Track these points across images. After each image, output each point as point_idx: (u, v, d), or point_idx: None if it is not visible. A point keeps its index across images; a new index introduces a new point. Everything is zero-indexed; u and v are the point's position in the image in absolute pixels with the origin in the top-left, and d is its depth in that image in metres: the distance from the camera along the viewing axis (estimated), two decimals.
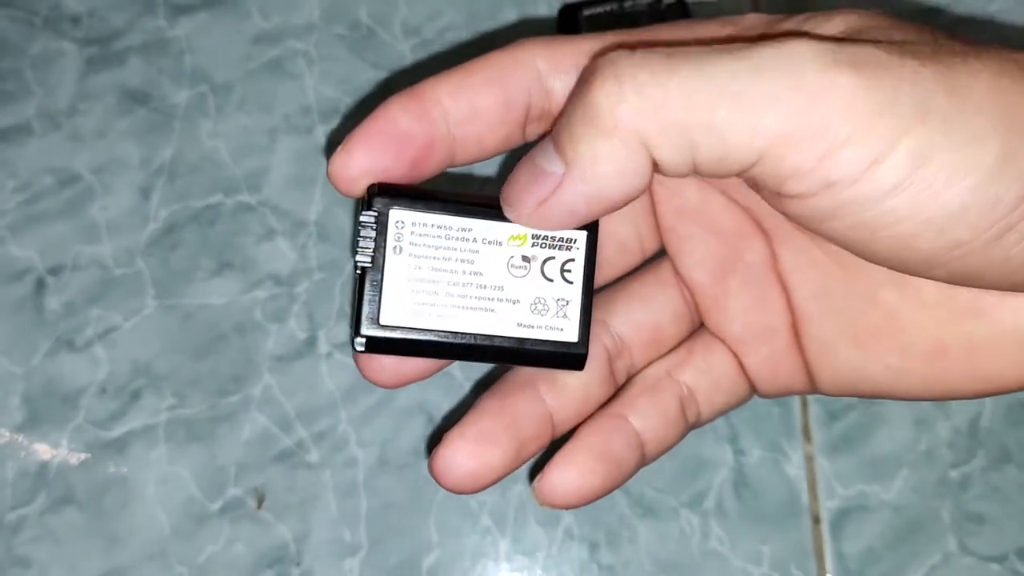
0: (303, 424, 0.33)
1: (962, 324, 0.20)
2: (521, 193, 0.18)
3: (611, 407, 0.22)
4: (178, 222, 0.34)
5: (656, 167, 0.17)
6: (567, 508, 0.21)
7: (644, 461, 0.22)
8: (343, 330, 0.33)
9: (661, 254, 0.24)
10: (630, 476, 0.21)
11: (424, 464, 0.33)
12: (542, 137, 0.20)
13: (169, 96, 0.35)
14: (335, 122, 0.35)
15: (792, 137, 0.16)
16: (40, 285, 0.33)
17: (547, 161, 0.18)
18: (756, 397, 0.34)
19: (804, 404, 0.34)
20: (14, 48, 0.35)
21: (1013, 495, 0.33)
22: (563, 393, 0.21)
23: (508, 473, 0.20)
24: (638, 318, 0.23)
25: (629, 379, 0.23)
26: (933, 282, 0.19)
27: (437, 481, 0.20)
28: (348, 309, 0.34)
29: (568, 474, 0.21)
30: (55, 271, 0.33)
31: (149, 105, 0.35)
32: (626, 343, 0.22)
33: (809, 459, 0.33)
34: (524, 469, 0.33)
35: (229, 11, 0.35)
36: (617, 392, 0.22)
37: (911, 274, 0.18)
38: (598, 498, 0.21)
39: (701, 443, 0.33)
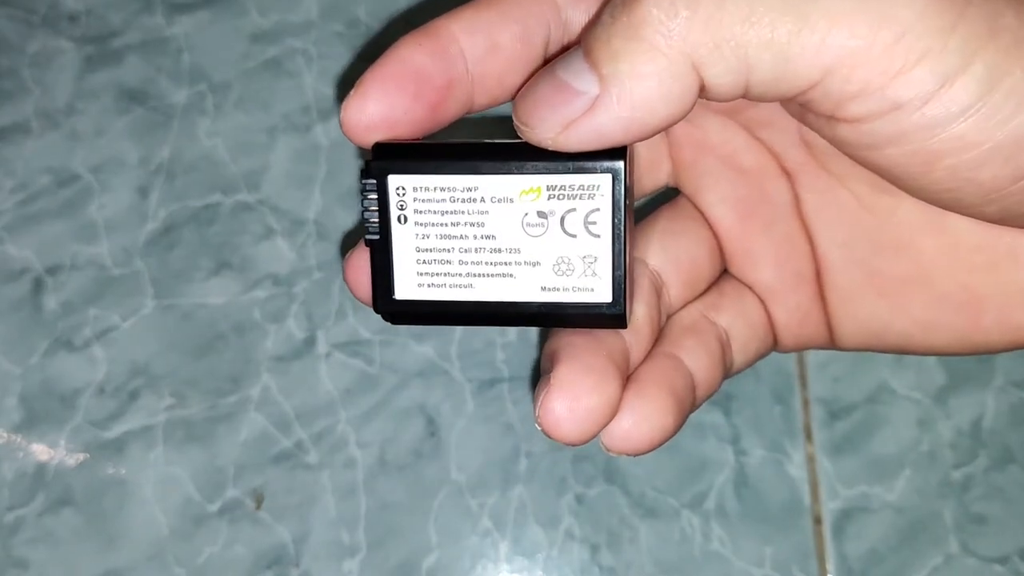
0: (302, 425, 0.33)
1: (1000, 272, 0.19)
2: (544, 112, 0.16)
3: (661, 347, 0.20)
4: (176, 221, 0.34)
5: (703, 90, 0.16)
6: (638, 454, 0.19)
7: (695, 405, 0.20)
8: (342, 330, 0.33)
9: (674, 193, 0.22)
10: (684, 421, 0.20)
11: (424, 465, 0.33)
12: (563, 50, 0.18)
13: (167, 95, 0.34)
14: (334, 121, 0.35)
15: (862, 54, 0.15)
16: (38, 285, 0.33)
17: (576, 78, 0.16)
18: (759, 387, 0.33)
19: (806, 404, 0.34)
20: (12, 47, 0.35)
21: (1016, 496, 0.33)
22: (635, 327, 0.19)
23: (615, 414, 0.18)
24: (675, 254, 0.21)
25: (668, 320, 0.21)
26: (974, 228, 0.18)
27: (550, 433, 0.17)
28: (347, 309, 0.34)
29: (644, 413, 0.18)
30: (53, 271, 0.33)
31: (147, 104, 0.34)
32: (664, 281, 0.21)
33: (811, 459, 0.33)
34: (521, 468, 0.33)
35: (227, 9, 0.35)
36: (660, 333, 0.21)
37: (959, 211, 0.17)
38: (666, 440, 0.19)
39: (702, 443, 0.33)
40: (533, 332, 0.34)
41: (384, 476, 0.33)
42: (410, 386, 0.33)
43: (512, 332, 0.34)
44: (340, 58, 0.35)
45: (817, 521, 0.33)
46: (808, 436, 0.33)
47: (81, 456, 0.32)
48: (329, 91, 0.35)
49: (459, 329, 0.33)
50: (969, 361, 0.34)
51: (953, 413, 0.34)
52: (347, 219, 0.34)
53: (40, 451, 0.32)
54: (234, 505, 0.32)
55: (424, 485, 0.33)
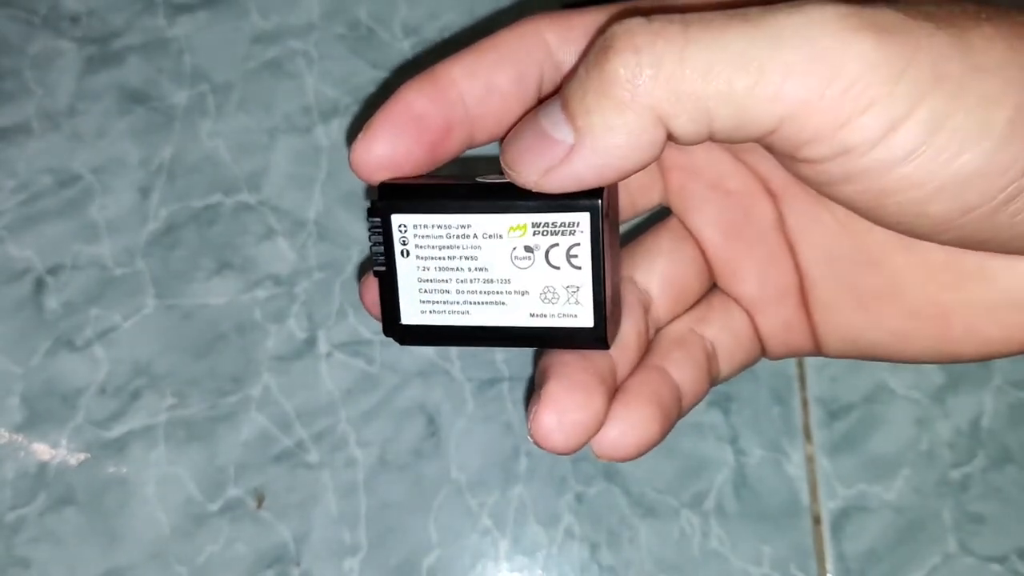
0: (303, 424, 0.33)
1: (966, 288, 0.20)
2: (526, 158, 0.18)
3: (649, 360, 0.21)
4: (177, 222, 0.34)
5: (670, 136, 0.17)
6: (625, 460, 0.20)
7: (681, 414, 0.22)
8: (343, 330, 0.33)
9: (666, 213, 0.23)
10: (670, 430, 0.21)
11: (424, 464, 0.33)
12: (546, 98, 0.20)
13: (168, 96, 0.35)
14: (335, 122, 0.35)
15: (812, 104, 0.16)
16: (39, 285, 0.33)
17: (555, 128, 0.17)
18: (759, 387, 0.34)
19: (804, 404, 0.34)
20: (13, 47, 0.35)
21: (1014, 495, 0.33)
22: (622, 344, 0.21)
23: (601, 426, 0.20)
24: (663, 273, 0.22)
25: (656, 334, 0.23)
26: (940, 248, 0.19)
27: (540, 444, 0.19)
28: (347, 309, 0.34)
29: (630, 423, 0.20)
30: (54, 271, 0.33)
31: (148, 105, 0.34)
32: (652, 297, 0.22)
33: (810, 459, 0.33)
34: (521, 468, 0.33)
35: (228, 10, 0.35)
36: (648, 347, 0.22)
37: (919, 238, 0.18)
38: (651, 448, 0.20)
39: (701, 443, 0.33)
40: None
41: (384, 475, 0.33)
42: (410, 386, 0.33)
43: None
44: (341, 60, 0.35)
45: (816, 520, 0.33)
46: (807, 436, 0.34)
47: (83, 456, 0.32)
48: (330, 92, 0.35)
49: None
50: None
51: (951, 413, 0.34)
52: (347, 219, 0.34)
53: (42, 451, 0.32)
54: (235, 504, 0.32)
55: (424, 484, 0.33)
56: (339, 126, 0.35)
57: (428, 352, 0.33)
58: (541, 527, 0.33)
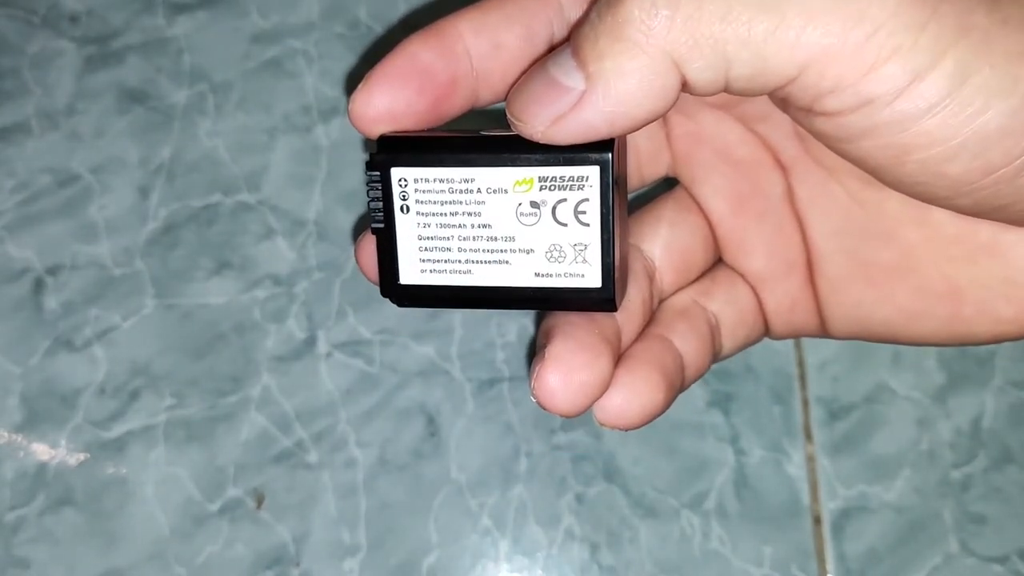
0: (302, 424, 0.33)
1: (979, 264, 0.19)
2: (534, 107, 0.17)
3: (653, 329, 0.21)
4: (177, 221, 0.34)
5: (685, 85, 0.16)
6: (629, 428, 0.19)
7: (684, 386, 0.21)
8: (342, 330, 0.33)
9: (673, 183, 0.23)
10: (674, 400, 0.20)
11: (424, 465, 0.33)
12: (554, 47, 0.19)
13: (168, 95, 0.35)
14: (335, 121, 0.35)
15: (835, 51, 0.15)
16: (39, 285, 0.33)
17: (565, 75, 0.17)
18: (759, 387, 0.33)
19: (805, 404, 0.34)
20: (12, 47, 0.35)
21: (1015, 496, 0.33)
22: (627, 310, 0.20)
23: (606, 389, 0.19)
24: (668, 242, 0.22)
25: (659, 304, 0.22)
26: (953, 220, 0.19)
27: (544, 405, 0.18)
28: (347, 309, 0.34)
29: (635, 389, 0.19)
30: (53, 271, 0.33)
31: (148, 104, 0.34)
32: (657, 267, 0.22)
33: (810, 459, 0.33)
34: (521, 468, 0.33)
35: (228, 10, 0.35)
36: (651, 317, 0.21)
37: (933, 203, 0.18)
38: (656, 417, 0.20)
39: (702, 443, 0.33)
40: (532, 331, 0.34)
41: (384, 476, 0.33)
42: (410, 386, 0.33)
43: (512, 332, 0.34)
44: (341, 59, 0.35)
45: (816, 521, 0.33)
46: (807, 436, 0.34)
47: (82, 456, 0.32)
48: (330, 92, 0.35)
49: (459, 329, 0.33)
50: (968, 361, 0.34)
51: (952, 413, 0.34)
52: (347, 219, 0.34)
53: (41, 451, 0.32)
54: (235, 505, 0.32)
55: (424, 485, 0.33)
56: (339, 126, 0.35)
57: (428, 352, 0.33)
58: (541, 527, 0.33)
